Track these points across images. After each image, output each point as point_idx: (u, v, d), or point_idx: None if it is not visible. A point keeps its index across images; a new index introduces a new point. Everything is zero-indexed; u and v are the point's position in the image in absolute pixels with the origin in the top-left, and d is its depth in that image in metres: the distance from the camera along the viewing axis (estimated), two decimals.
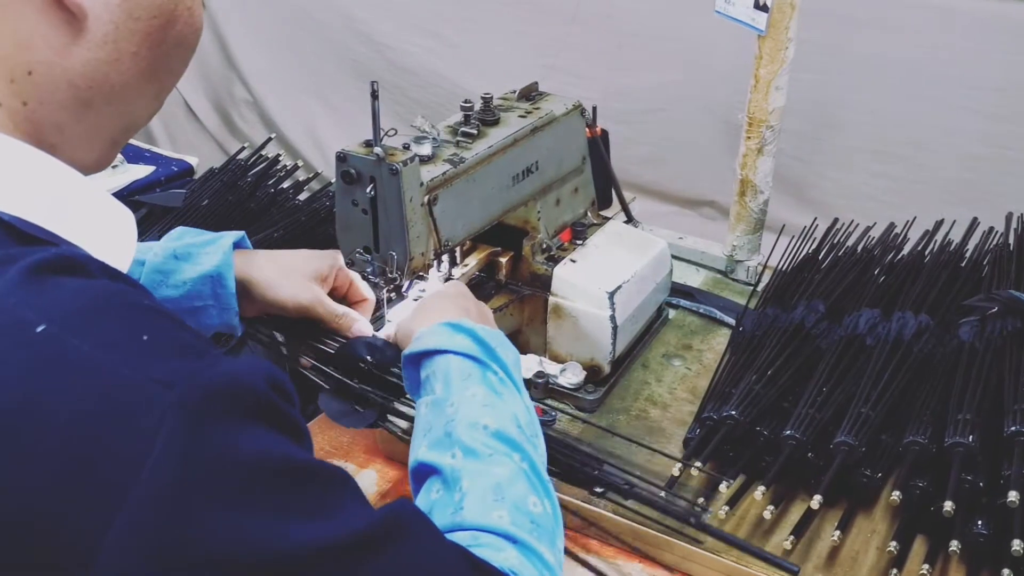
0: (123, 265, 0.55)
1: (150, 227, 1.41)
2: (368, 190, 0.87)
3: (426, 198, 0.91)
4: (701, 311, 1.26)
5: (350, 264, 0.94)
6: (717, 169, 1.94)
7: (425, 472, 0.67)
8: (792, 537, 0.85)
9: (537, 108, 1.09)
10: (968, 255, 1.23)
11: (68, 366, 0.43)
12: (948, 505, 0.80)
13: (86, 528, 0.42)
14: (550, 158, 1.10)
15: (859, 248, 1.28)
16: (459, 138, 0.98)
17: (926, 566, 0.82)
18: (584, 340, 1.08)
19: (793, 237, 1.29)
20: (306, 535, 0.45)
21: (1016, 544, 0.77)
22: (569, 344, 1.09)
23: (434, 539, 0.53)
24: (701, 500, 0.88)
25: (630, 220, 1.37)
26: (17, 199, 0.50)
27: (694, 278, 1.37)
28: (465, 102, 1.01)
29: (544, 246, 1.11)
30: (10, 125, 0.52)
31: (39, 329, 0.44)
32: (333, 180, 0.89)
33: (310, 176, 1.63)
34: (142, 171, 1.62)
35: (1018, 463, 0.81)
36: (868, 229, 1.31)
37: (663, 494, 0.88)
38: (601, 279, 1.07)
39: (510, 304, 1.10)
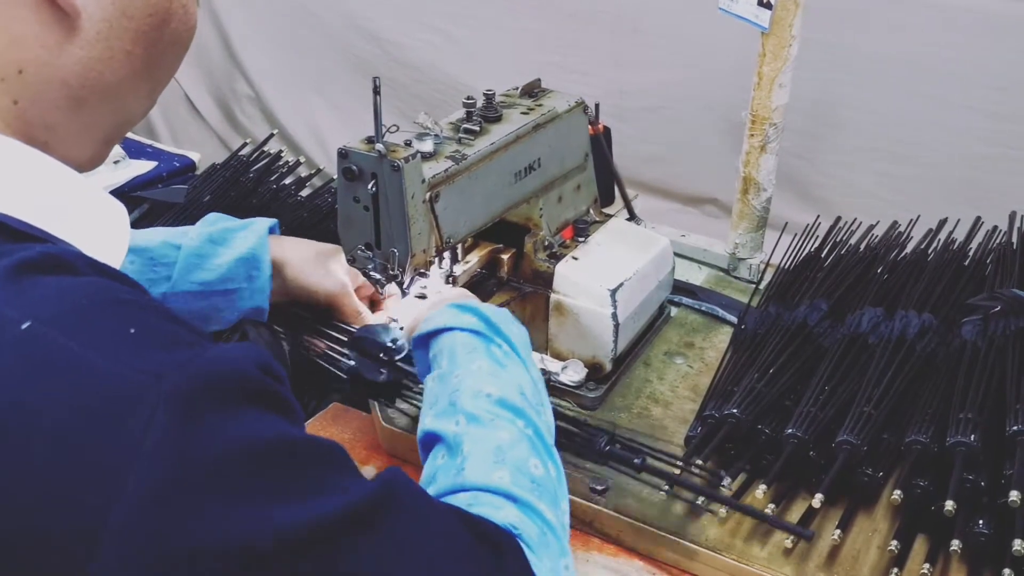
0: (115, 260, 0.55)
1: (152, 223, 1.41)
2: (370, 186, 0.87)
3: (428, 195, 0.91)
4: (703, 309, 1.26)
5: (351, 261, 0.94)
6: (720, 167, 1.94)
7: (431, 440, 0.68)
8: (793, 535, 0.85)
9: (540, 105, 1.09)
10: (971, 254, 1.23)
11: (54, 364, 0.43)
12: (949, 504, 0.80)
13: (81, 527, 0.41)
14: (552, 155, 1.09)
15: (862, 247, 1.27)
16: (461, 135, 0.98)
17: (927, 565, 0.82)
18: (586, 338, 1.07)
19: (796, 235, 1.28)
20: (305, 514, 0.45)
21: (1017, 544, 0.76)
22: (571, 341, 1.09)
23: (426, 503, 0.54)
24: (722, 474, 0.88)
25: (632, 218, 1.36)
26: (7, 196, 0.50)
27: (696, 276, 1.37)
28: (467, 99, 1.01)
29: (546, 243, 1.11)
30: (0, 124, 0.52)
31: (23, 327, 0.43)
32: (335, 176, 0.90)
33: (312, 172, 1.63)
34: (144, 167, 1.62)
35: (1020, 463, 0.81)
36: (871, 228, 1.31)
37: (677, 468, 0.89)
38: (603, 277, 1.07)
39: (512, 301, 1.10)
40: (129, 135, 1.82)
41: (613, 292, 1.05)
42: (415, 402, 1.02)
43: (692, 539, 0.87)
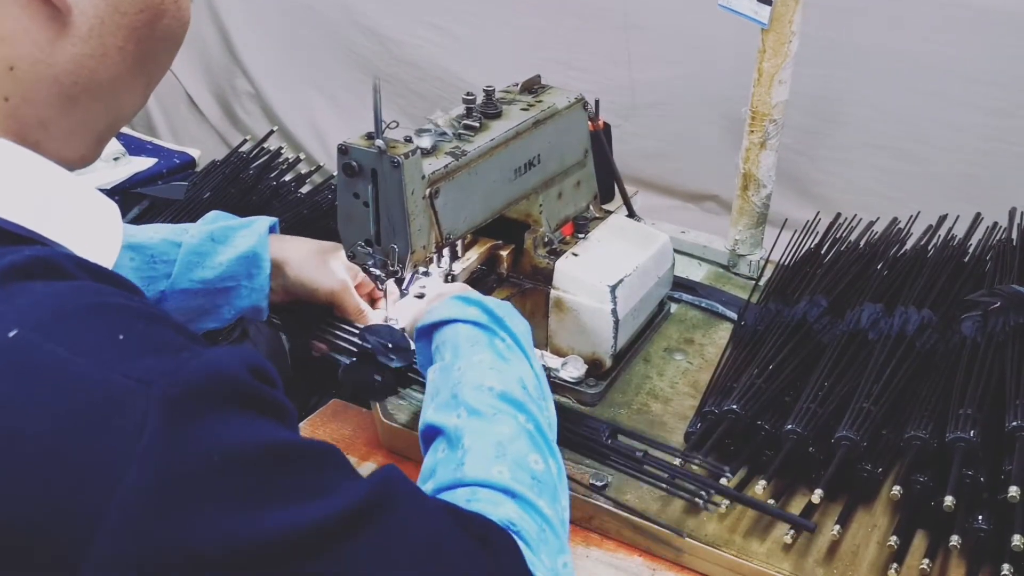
0: (108, 260, 0.55)
1: (152, 220, 1.41)
2: (369, 183, 0.87)
3: (428, 191, 0.91)
4: (703, 305, 1.26)
5: (351, 257, 0.94)
6: (719, 164, 1.94)
7: (432, 433, 0.68)
8: (792, 531, 0.85)
9: (539, 101, 1.09)
10: (971, 250, 1.23)
11: (43, 371, 0.43)
12: (949, 500, 0.80)
13: (72, 534, 0.41)
14: (552, 151, 1.09)
15: (862, 243, 1.27)
16: (461, 131, 0.98)
17: (926, 561, 0.82)
18: (586, 334, 1.07)
19: (795, 232, 1.28)
20: (298, 517, 0.45)
21: (1016, 539, 0.77)
22: (571, 338, 1.09)
23: (421, 502, 0.54)
24: (725, 469, 0.88)
25: (632, 214, 1.36)
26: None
27: (696, 272, 1.37)
28: (467, 95, 1.01)
29: (546, 240, 1.11)
30: None
31: (11, 334, 0.43)
32: (335, 173, 0.90)
33: (312, 169, 1.63)
34: (144, 163, 1.62)
35: (1019, 458, 0.81)
36: (871, 224, 1.31)
37: (677, 461, 0.89)
38: (603, 273, 1.07)
39: (511, 298, 1.10)
40: (129, 132, 1.82)
41: (613, 288, 1.05)
42: (414, 399, 1.02)
43: (691, 535, 0.87)
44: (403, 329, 0.94)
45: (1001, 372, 0.92)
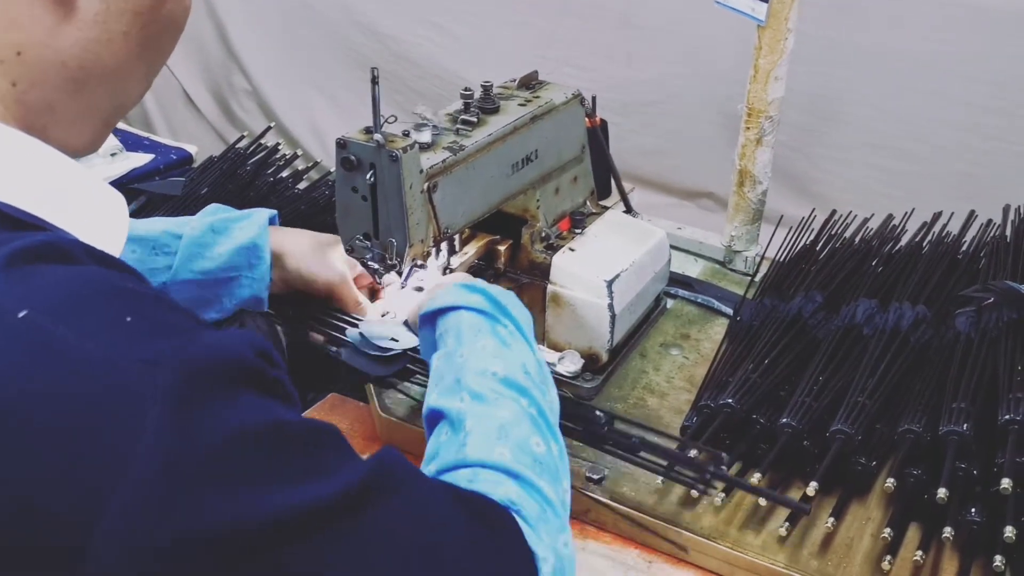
0: (115, 248, 0.55)
1: (149, 215, 1.41)
2: (368, 177, 0.87)
3: (426, 185, 0.91)
4: (699, 301, 1.26)
5: (350, 251, 0.95)
6: (716, 161, 1.94)
7: (435, 417, 0.69)
8: (787, 524, 0.86)
9: (537, 97, 1.09)
10: (965, 247, 1.24)
11: (51, 353, 0.43)
12: (942, 493, 0.81)
13: (80, 515, 0.41)
14: (550, 147, 1.10)
15: (857, 239, 1.28)
16: (459, 126, 0.98)
17: (920, 553, 0.83)
18: (582, 328, 1.08)
19: (791, 228, 1.29)
20: (303, 497, 0.46)
21: (1008, 531, 0.77)
22: (567, 332, 1.10)
23: (420, 481, 0.54)
24: (723, 455, 0.89)
25: (629, 210, 1.37)
26: (5, 184, 0.50)
27: (692, 268, 1.38)
28: (465, 90, 1.01)
29: (543, 235, 1.11)
30: (0, 107, 0.52)
31: (20, 316, 0.43)
32: (332, 169, 0.91)
33: (309, 165, 1.63)
34: (141, 159, 1.62)
35: (1011, 451, 0.81)
36: (866, 221, 1.32)
37: (675, 446, 0.89)
38: (600, 268, 1.07)
39: None
40: (126, 128, 1.82)
41: (609, 283, 1.06)
42: (412, 392, 1.02)
43: (687, 527, 0.88)
44: (405, 321, 0.95)
45: (994, 367, 0.93)
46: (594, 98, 1.24)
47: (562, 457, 0.67)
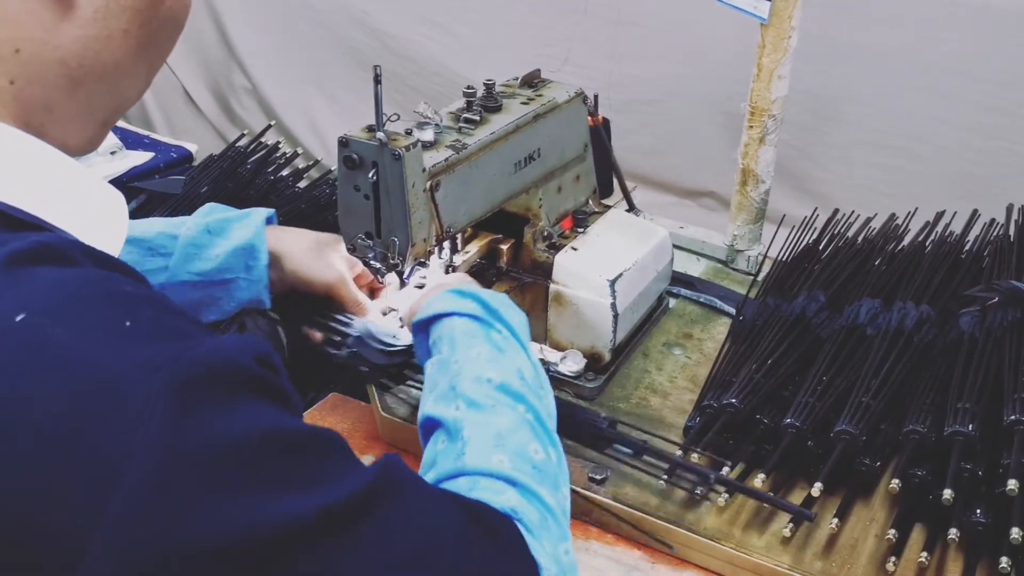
0: (114, 249, 0.55)
1: (149, 214, 1.40)
2: (370, 175, 0.87)
3: (428, 184, 0.91)
4: (702, 300, 1.26)
5: (352, 250, 0.94)
6: (718, 160, 1.94)
7: (431, 426, 0.68)
8: (791, 524, 0.85)
9: (539, 95, 1.09)
10: (969, 246, 1.24)
11: (49, 356, 0.43)
12: (947, 493, 0.80)
13: (76, 518, 0.41)
14: (552, 145, 1.09)
15: (860, 239, 1.28)
16: (461, 124, 0.98)
17: (924, 554, 0.82)
18: (585, 328, 1.07)
19: (794, 227, 1.28)
20: (304, 504, 0.45)
21: (1015, 532, 0.77)
22: (570, 332, 1.09)
23: (423, 489, 0.54)
24: (724, 461, 0.89)
25: (632, 209, 1.36)
26: (2, 184, 0.50)
27: (695, 267, 1.37)
28: (467, 88, 1.01)
29: (545, 234, 1.11)
30: None
31: (18, 319, 0.43)
32: (332, 168, 0.90)
33: (310, 164, 1.63)
34: (141, 158, 1.62)
35: (1017, 452, 0.81)
36: (869, 220, 1.31)
37: (678, 452, 0.89)
38: (602, 267, 1.07)
39: (511, 291, 1.10)
40: (126, 126, 1.82)
41: (612, 282, 1.05)
42: (414, 393, 1.02)
43: (690, 528, 0.87)
44: (401, 322, 0.95)
45: (999, 366, 0.92)
46: (596, 96, 1.24)
47: (561, 463, 0.67)
